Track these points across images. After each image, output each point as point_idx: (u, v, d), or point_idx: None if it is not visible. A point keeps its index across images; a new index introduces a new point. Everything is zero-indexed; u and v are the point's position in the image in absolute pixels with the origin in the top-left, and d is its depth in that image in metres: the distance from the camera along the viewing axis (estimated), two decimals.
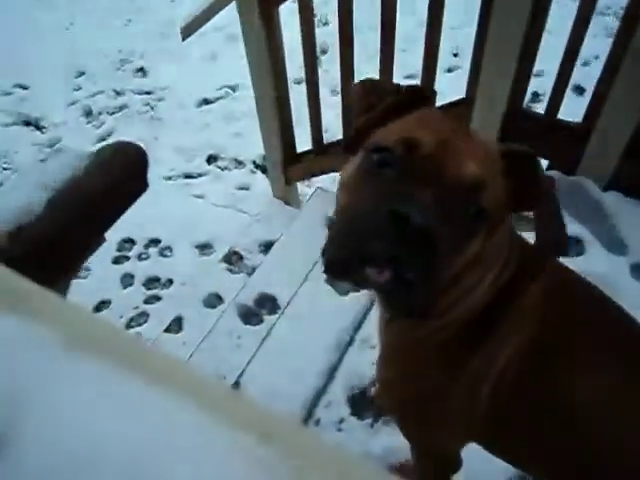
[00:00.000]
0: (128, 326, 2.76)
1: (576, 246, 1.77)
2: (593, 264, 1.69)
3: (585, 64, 3.41)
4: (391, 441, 1.39)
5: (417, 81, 2.74)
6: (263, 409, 0.33)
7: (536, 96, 3.72)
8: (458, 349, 0.88)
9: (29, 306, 0.35)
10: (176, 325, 2.51)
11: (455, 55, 4.01)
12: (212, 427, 0.29)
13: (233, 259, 2.74)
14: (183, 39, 2.15)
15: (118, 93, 4.23)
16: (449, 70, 3.93)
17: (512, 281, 0.88)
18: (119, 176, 0.42)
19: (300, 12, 2.03)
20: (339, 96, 2.29)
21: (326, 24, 4.46)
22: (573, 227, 1.80)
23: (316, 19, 4.10)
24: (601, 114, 1.73)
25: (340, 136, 2.44)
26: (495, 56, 1.77)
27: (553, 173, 1.95)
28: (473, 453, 0.98)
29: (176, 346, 2.40)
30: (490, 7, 1.67)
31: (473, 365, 0.87)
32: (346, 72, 2.09)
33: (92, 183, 0.40)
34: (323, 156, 2.53)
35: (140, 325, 2.77)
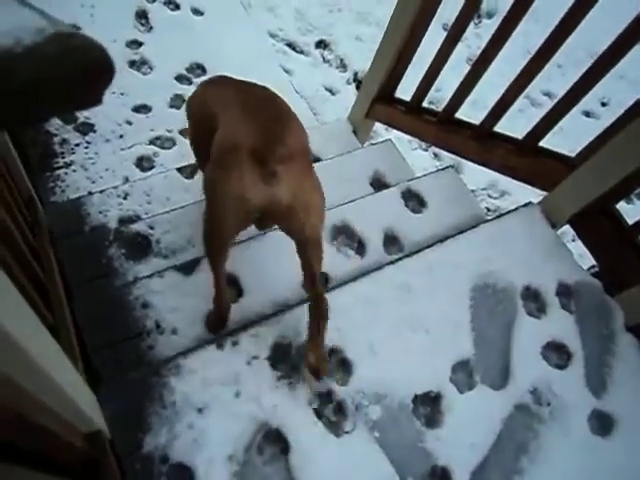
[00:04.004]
0: (151, 142, 2.74)
1: (562, 358, 1.69)
2: (564, 385, 1.62)
3: None
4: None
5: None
6: None
7: None
8: None
9: None
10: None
11: (603, 105, 3.65)
12: None
13: None
14: None
15: None
16: (587, 114, 3.60)
17: None
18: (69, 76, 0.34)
19: None
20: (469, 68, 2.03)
21: None
22: (573, 341, 1.71)
23: None
24: None
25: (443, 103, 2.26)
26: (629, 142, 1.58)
27: (593, 280, 1.81)
28: None
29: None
30: None
31: None
32: (493, 47, 1.86)
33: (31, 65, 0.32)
34: (412, 115, 2.37)
35: (162, 149, 2.75)
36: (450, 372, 1.58)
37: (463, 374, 1.61)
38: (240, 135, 1.23)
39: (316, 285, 1.42)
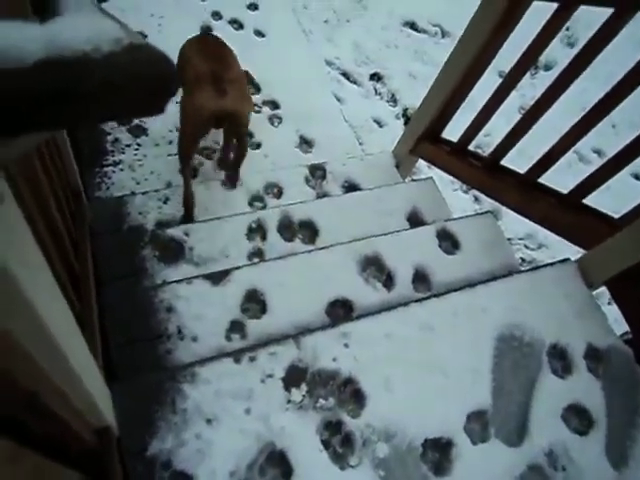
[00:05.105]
0: (198, 151, 2.81)
1: (583, 423, 1.62)
2: (582, 452, 1.55)
3: None
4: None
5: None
6: None
7: None
8: None
9: None
10: None
11: None
12: None
13: (317, 173, 2.70)
14: None
15: None
16: (637, 177, 3.53)
17: None
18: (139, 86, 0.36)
19: (557, 12, 1.76)
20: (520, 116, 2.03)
21: (571, 45, 4.03)
22: (596, 407, 1.64)
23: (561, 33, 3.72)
24: None
25: (491, 147, 2.26)
26: None
27: (624, 347, 1.75)
28: None
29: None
30: None
31: None
32: (547, 99, 1.85)
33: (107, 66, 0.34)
34: (457, 157, 2.37)
35: (207, 159, 2.81)
36: (465, 420, 1.54)
37: (478, 424, 1.56)
38: (200, 70, 2.01)
39: (240, 164, 2.39)
